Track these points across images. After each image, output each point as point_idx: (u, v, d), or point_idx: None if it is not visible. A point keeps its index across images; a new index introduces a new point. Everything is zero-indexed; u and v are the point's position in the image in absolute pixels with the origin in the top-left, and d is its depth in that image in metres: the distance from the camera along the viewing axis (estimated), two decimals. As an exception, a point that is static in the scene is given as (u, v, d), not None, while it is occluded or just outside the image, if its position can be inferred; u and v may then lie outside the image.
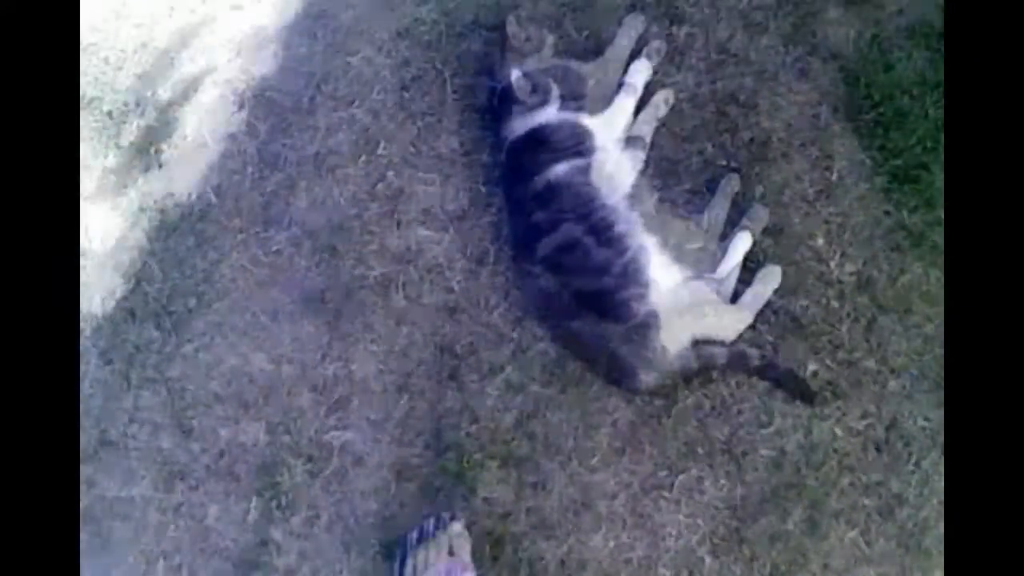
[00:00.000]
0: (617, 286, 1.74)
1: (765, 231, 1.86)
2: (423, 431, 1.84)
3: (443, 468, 1.81)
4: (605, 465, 1.78)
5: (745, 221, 1.84)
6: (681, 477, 1.75)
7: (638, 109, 1.94)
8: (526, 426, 1.82)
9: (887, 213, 1.86)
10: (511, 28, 1.91)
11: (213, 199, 2.03)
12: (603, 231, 1.77)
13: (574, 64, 1.94)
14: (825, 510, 1.71)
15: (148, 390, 1.93)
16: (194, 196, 2.04)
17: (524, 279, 1.85)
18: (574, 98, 1.87)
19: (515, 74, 1.89)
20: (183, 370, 1.94)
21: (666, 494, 1.75)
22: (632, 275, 1.74)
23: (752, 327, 1.79)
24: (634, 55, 1.98)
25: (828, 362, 1.78)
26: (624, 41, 1.99)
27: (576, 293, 1.76)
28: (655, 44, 1.98)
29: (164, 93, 2.14)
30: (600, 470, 1.78)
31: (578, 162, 1.83)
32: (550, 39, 1.96)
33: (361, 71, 2.09)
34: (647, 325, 1.72)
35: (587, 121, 1.88)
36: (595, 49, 2.01)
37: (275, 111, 2.09)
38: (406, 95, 2.05)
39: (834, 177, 1.90)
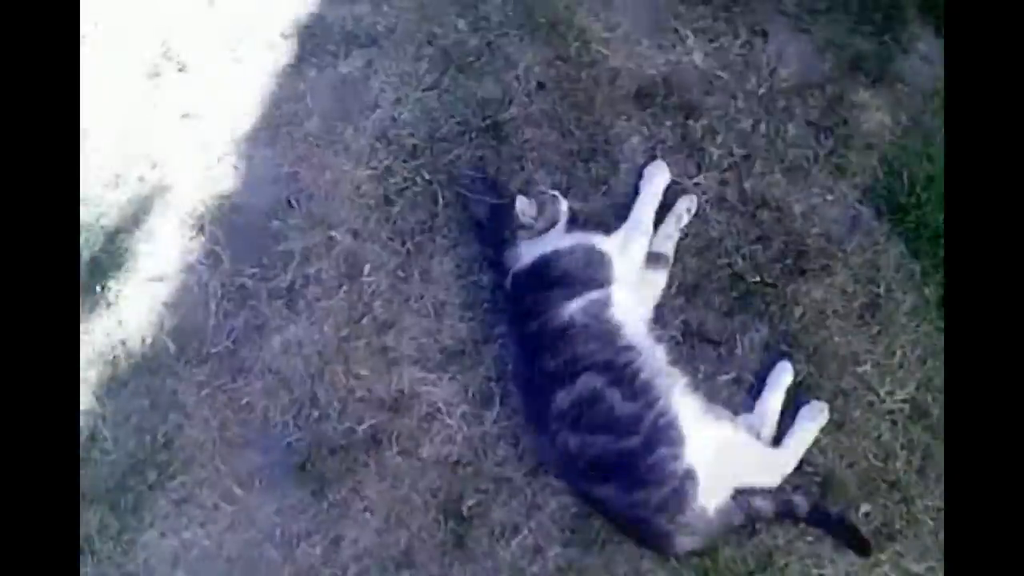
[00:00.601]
0: (647, 446, 1.48)
1: (804, 356, 1.66)
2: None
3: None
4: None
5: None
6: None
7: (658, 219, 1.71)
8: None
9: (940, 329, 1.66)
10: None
11: (171, 346, 1.74)
12: (628, 380, 1.52)
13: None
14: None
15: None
16: (148, 342, 1.75)
17: (538, 437, 1.60)
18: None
19: (519, 200, 1.64)
20: (145, 558, 1.63)
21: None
22: (663, 430, 1.49)
23: (797, 469, 1.59)
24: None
25: (882, 502, 1.59)
26: (648, 200, 1.69)
27: (600, 454, 1.51)
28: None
29: (111, 219, 1.86)
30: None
31: (595, 295, 1.58)
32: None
33: (337, 185, 1.83)
34: (684, 489, 1.48)
35: (604, 245, 1.63)
36: (601, 148, 1.80)
37: (240, 236, 1.81)
38: (391, 210, 1.80)
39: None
